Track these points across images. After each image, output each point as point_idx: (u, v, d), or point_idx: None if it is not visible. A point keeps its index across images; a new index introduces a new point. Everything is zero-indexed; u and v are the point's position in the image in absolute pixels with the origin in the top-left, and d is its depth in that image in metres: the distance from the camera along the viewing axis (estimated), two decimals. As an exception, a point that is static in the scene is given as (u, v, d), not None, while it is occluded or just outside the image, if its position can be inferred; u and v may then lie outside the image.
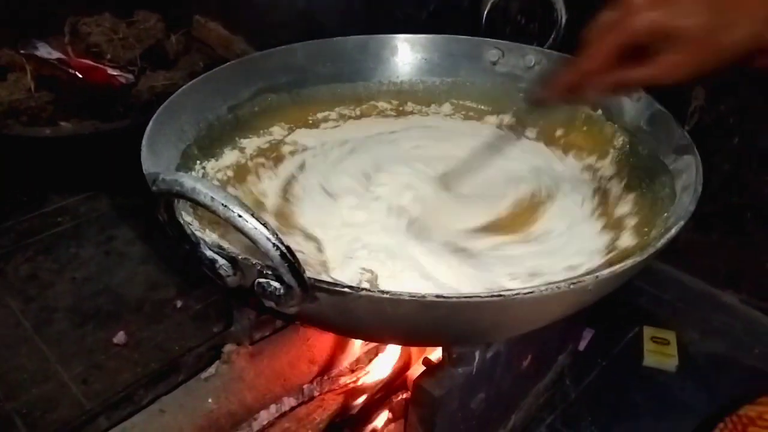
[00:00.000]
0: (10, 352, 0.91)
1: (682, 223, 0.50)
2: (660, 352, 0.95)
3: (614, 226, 0.61)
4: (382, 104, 0.81)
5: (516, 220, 0.63)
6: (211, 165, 0.66)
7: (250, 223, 0.36)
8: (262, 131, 0.73)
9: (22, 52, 1.19)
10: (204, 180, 0.36)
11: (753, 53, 0.48)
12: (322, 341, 0.71)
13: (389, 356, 0.73)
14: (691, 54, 0.48)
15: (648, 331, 0.99)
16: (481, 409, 0.66)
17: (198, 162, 0.65)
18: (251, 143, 0.71)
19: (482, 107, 0.80)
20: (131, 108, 1.21)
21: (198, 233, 0.44)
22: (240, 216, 0.36)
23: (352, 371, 0.72)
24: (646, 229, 0.58)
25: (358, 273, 0.53)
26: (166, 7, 1.42)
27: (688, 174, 0.58)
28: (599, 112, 0.72)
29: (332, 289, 0.42)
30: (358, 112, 0.80)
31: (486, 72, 0.78)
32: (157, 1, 1.42)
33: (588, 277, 0.44)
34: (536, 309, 0.47)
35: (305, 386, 0.72)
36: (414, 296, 0.43)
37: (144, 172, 0.51)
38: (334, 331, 0.59)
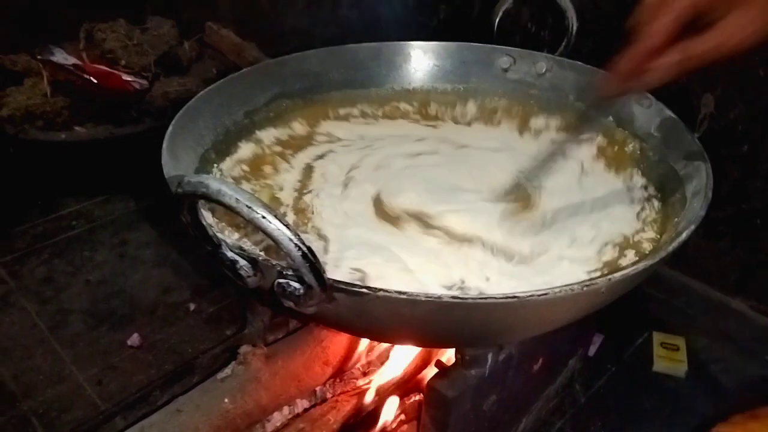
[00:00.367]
0: (26, 353, 0.92)
1: (692, 227, 0.51)
2: (669, 358, 0.96)
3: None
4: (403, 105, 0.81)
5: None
6: (226, 164, 0.67)
7: (273, 224, 0.37)
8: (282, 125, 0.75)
9: (38, 57, 1.21)
10: (229, 182, 0.38)
11: None
12: (336, 343, 0.71)
13: (402, 358, 0.74)
14: (758, 13, 0.44)
15: (658, 337, 0.99)
16: (493, 411, 0.66)
17: (215, 165, 0.66)
18: (268, 134, 0.73)
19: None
20: (145, 113, 1.22)
21: (219, 235, 0.45)
22: (264, 217, 0.37)
23: (365, 373, 0.73)
24: (657, 234, 0.58)
25: (348, 273, 0.53)
26: (179, 14, 1.44)
27: (698, 179, 0.58)
28: (610, 118, 0.73)
29: (351, 290, 0.43)
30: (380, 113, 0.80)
31: (497, 79, 0.79)
32: (170, 8, 1.44)
33: (601, 279, 0.45)
34: (549, 310, 0.48)
35: (318, 388, 0.73)
36: (430, 297, 0.43)
37: (165, 175, 0.52)
38: (349, 331, 0.60)
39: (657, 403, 0.91)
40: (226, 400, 0.64)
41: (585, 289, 0.44)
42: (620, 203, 0.65)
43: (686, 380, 0.94)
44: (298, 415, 0.69)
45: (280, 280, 0.43)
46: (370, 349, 0.74)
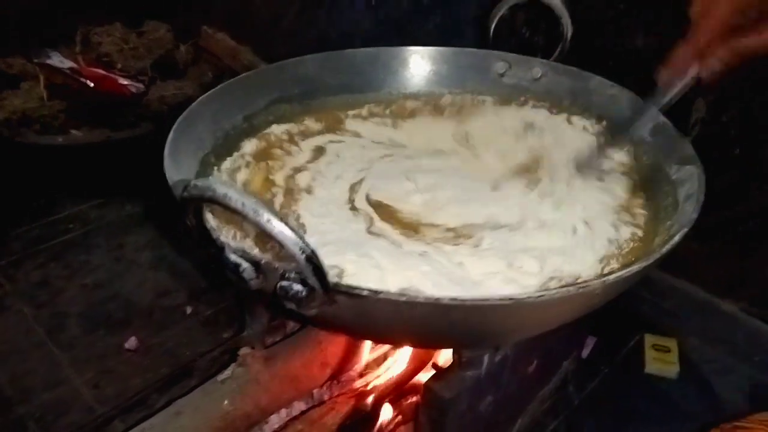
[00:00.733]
0: (23, 357, 0.92)
1: (685, 230, 0.52)
2: (661, 360, 0.97)
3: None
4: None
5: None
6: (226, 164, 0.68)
7: (278, 228, 0.38)
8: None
9: (35, 61, 1.21)
10: (235, 186, 0.38)
11: None
12: (334, 345, 0.72)
13: (399, 360, 0.75)
14: None
15: (650, 339, 1.00)
16: (489, 412, 0.67)
17: (216, 168, 0.67)
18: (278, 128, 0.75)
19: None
20: (141, 117, 1.23)
21: (222, 238, 0.46)
22: (269, 220, 0.38)
23: (362, 375, 0.74)
24: (650, 237, 0.59)
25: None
26: (174, 18, 1.45)
27: (690, 183, 0.60)
28: (604, 123, 0.74)
29: (352, 292, 0.44)
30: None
31: (494, 83, 0.81)
32: (166, 11, 1.44)
33: (596, 281, 0.46)
34: (546, 312, 0.49)
35: (316, 390, 0.73)
36: (429, 299, 0.44)
37: (168, 180, 0.53)
38: (349, 333, 0.61)
39: (649, 404, 0.92)
40: (225, 402, 0.65)
41: (580, 290, 0.45)
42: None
43: (678, 381, 0.95)
44: (296, 417, 0.70)
45: (283, 283, 0.44)
46: (367, 351, 0.75)
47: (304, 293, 0.43)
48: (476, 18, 0.83)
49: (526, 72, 0.79)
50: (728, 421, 0.78)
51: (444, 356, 0.71)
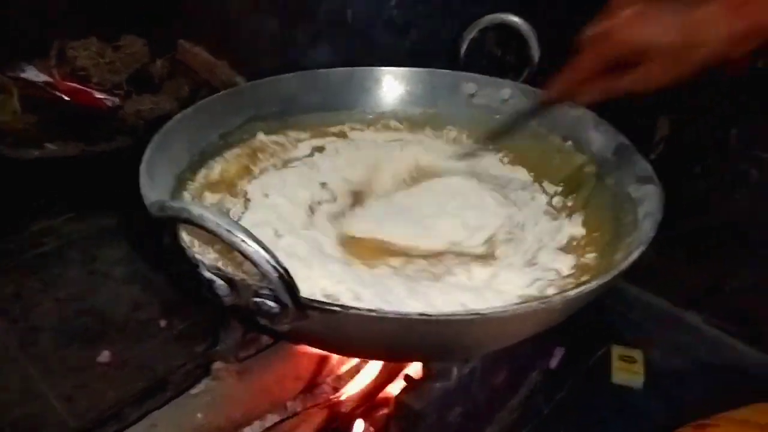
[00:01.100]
0: (-5, 372, 0.92)
1: (642, 248, 0.55)
2: (627, 370, 1.00)
3: (579, 248, 0.66)
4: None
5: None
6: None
7: (252, 247, 0.40)
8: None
9: (9, 75, 1.21)
10: (210, 207, 0.40)
11: (720, 64, 0.54)
12: (307, 358, 0.74)
13: (371, 373, 0.77)
14: (665, 67, 0.55)
15: (616, 350, 1.03)
16: (459, 422, 0.69)
17: (190, 183, 0.68)
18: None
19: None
20: (117, 131, 1.23)
21: (197, 255, 0.47)
22: (243, 241, 0.39)
23: (335, 387, 0.75)
24: (611, 253, 0.62)
25: None
26: (151, 32, 1.45)
27: (649, 202, 0.62)
28: (569, 143, 0.77)
29: (324, 308, 0.45)
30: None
31: (464, 104, 0.83)
32: (143, 26, 1.44)
33: (557, 297, 0.48)
34: (510, 326, 0.51)
35: (289, 402, 0.74)
36: (399, 314, 0.46)
37: (145, 199, 0.54)
38: (322, 347, 0.63)
39: (615, 413, 0.95)
40: (199, 415, 0.66)
41: (542, 306, 0.48)
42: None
43: (643, 391, 0.98)
44: (269, 429, 0.71)
45: (256, 299, 0.45)
46: (340, 364, 0.77)
47: (276, 309, 0.45)
48: (448, 39, 0.85)
49: (495, 93, 0.82)
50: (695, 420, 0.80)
51: (415, 368, 0.73)
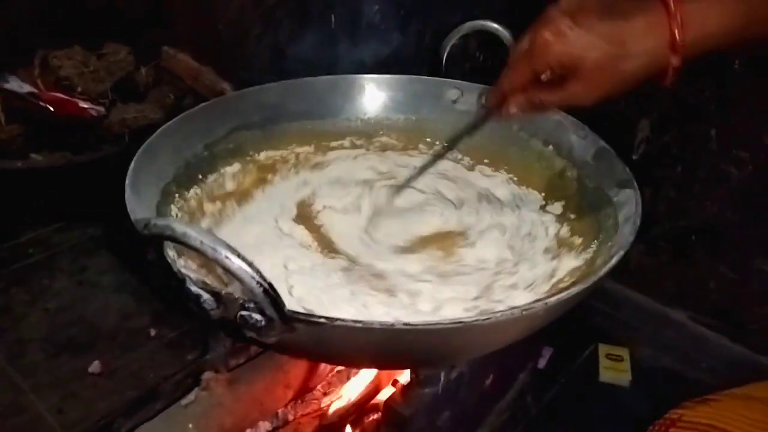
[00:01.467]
0: (-17, 384, 0.92)
1: (622, 252, 0.56)
2: (614, 368, 1.01)
3: (561, 252, 0.67)
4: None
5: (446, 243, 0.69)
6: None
7: (236, 263, 0.40)
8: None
9: (-8, 85, 1.20)
10: (194, 225, 0.40)
11: (652, 78, 0.54)
12: (297, 367, 0.74)
13: (360, 380, 0.77)
14: (594, 82, 0.55)
15: (603, 349, 1.04)
16: (447, 426, 0.70)
17: (177, 195, 0.68)
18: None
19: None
20: (102, 140, 1.22)
21: (183, 270, 0.48)
22: (227, 257, 0.40)
23: (325, 395, 0.76)
24: (592, 258, 0.63)
25: None
26: (135, 39, 1.44)
27: (629, 206, 0.63)
28: (550, 147, 0.78)
29: (310, 320, 0.46)
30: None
31: (447, 110, 0.84)
32: (126, 33, 1.44)
33: (538, 304, 0.49)
34: (494, 333, 0.52)
35: (280, 411, 0.75)
36: (384, 324, 0.47)
37: (130, 215, 0.54)
38: (310, 357, 0.63)
39: (603, 411, 0.96)
40: (190, 425, 0.66)
41: (524, 313, 0.49)
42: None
43: (630, 389, 0.99)
44: (260, 438, 0.71)
45: (243, 313, 0.46)
46: (330, 372, 0.77)
47: (263, 323, 0.45)
48: (430, 47, 0.86)
49: (478, 99, 0.83)
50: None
51: (404, 374, 0.74)
